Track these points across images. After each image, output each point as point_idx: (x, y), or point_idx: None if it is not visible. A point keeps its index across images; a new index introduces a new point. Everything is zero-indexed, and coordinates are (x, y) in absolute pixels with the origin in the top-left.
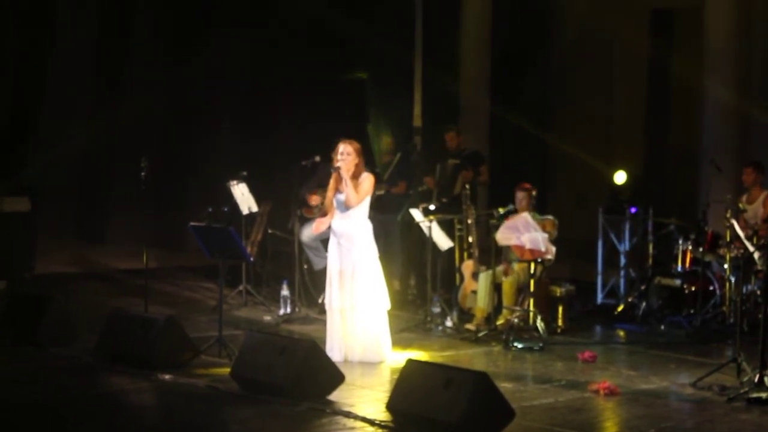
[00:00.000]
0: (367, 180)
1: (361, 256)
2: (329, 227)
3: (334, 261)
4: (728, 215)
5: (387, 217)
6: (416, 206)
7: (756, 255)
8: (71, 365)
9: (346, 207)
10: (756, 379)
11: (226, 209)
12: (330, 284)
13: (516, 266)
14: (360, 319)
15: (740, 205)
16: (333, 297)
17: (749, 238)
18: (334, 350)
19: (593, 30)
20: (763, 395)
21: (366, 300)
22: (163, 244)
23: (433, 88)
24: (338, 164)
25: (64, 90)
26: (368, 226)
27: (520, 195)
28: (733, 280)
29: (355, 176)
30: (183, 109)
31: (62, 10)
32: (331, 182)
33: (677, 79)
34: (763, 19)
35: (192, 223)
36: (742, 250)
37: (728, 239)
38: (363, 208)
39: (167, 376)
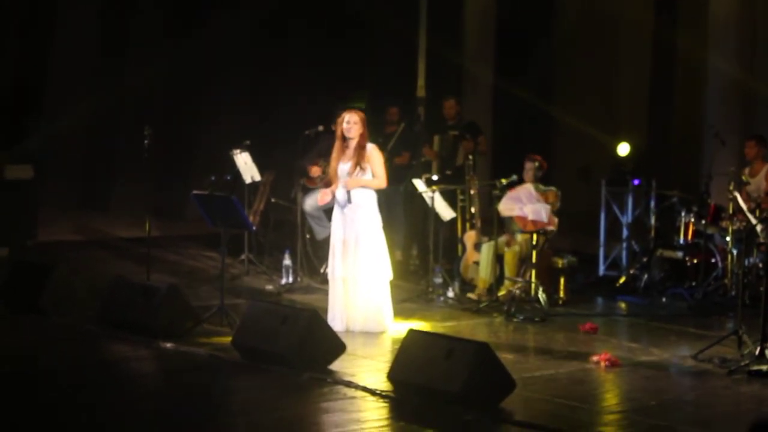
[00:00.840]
0: (375, 151)
1: (364, 225)
2: (333, 197)
3: (337, 230)
4: (731, 188)
5: (390, 187)
6: (419, 177)
7: (758, 228)
8: (73, 333)
9: (345, 174)
10: (757, 352)
11: (228, 178)
12: (333, 253)
13: (518, 237)
14: (362, 288)
15: (743, 178)
16: (336, 266)
17: (752, 211)
18: (336, 320)
19: (598, 3)
20: (764, 368)
21: (369, 270)
22: (166, 213)
23: (438, 60)
24: (345, 134)
25: (69, 60)
26: (372, 196)
27: (528, 165)
28: (735, 252)
29: (361, 145)
30: (186, 80)
31: None
32: (335, 152)
33: (681, 53)
34: None
35: (194, 192)
36: (744, 223)
37: (731, 212)
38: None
39: (169, 345)
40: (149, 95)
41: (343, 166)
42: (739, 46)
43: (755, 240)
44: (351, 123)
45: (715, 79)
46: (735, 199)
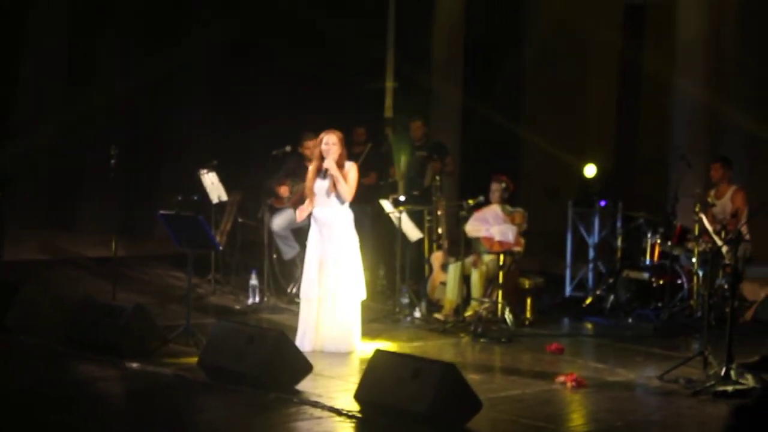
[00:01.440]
0: (353, 169)
1: (342, 244)
2: (310, 214)
3: (314, 249)
4: (697, 209)
5: (356, 207)
6: (386, 197)
7: (724, 249)
8: (40, 352)
9: (327, 197)
10: (722, 373)
11: (195, 198)
12: (308, 273)
13: (485, 258)
14: (336, 308)
15: (709, 200)
16: (310, 286)
17: (717, 233)
18: (305, 339)
19: (566, 23)
20: (729, 388)
21: (345, 289)
22: (133, 232)
23: (406, 80)
24: (326, 159)
25: (36, 79)
26: (350, 215)
27: (494, 186)
28: (700, 274)
29: (340, 165)
30: (154, 99)
31: (33, 1)
32: (311, 169)
33: (649, 74)
34: (734, 17)
35: (161, 212)
36: (710, 245)
37: (697, 233)
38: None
39: (135, 364)
40: (116, 114)
41: (321, 182)
42: (706, 68)
43: (721, 261)
44: (330, 144)
45: (681, 101)
46: (701, 220)
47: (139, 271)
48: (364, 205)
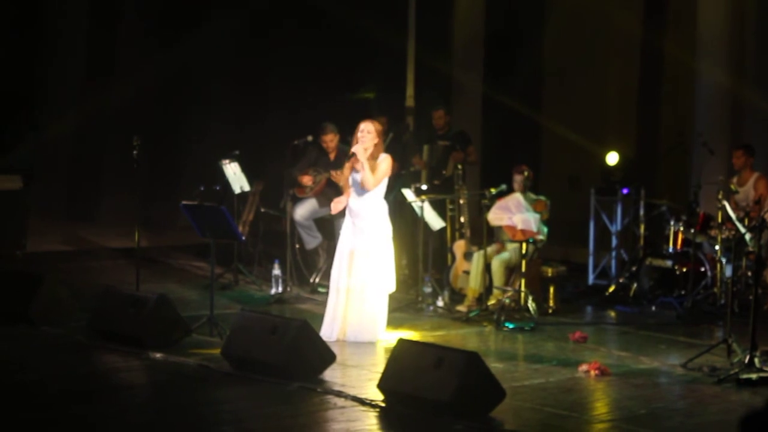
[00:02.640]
0: (385, 161)
1: (375, 236)
2: (346, 206)
3: (346, 240)
4: (720, 196)
5: None
6: (408, 186)
7: (747, 236)
8: (62, 343)
9: (362, 189)
10: (746, 360)
11: (218, 188)
12: (339, 263)
13: (508, 246)
14: (365, 299)
15: (731, 187)
16: (341, 276)
17: (740, 220)
18: (331, 329)
19: (587, 11)
20: (753, 376)
21: (376, 280)
22: (155, 224)
23: (427, 69)
24: (357, 144)
25: (57, 70)
26: (383, 207)
27: (517, 177)
28: (724, 261)
29: (374, 156)
30: (175, 89)
31: None
32: (348, 162)
33: (670, 61)
34: (757, 2)
35: (184, 202)
36: (733, 232)
37: (720, 221)
38: (380, 189)
39: (158, 355)
40: (138, 105)
41: (355, 176)
42: (728, 54)
43: (744, 249)
44: (365, 132)
45: (703, 87)
46: (724, 208)
47: (161, 261)
48: (386, 194)
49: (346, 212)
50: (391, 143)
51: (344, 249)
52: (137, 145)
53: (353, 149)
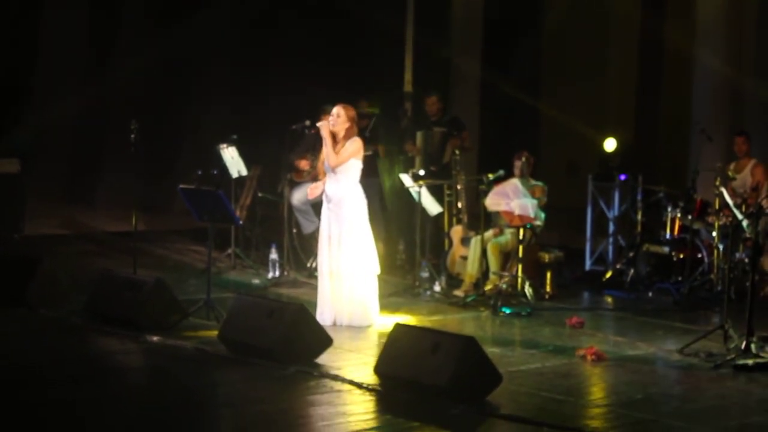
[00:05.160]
0: (353, 144)
1: (349, 220)
2: (323, 191)
3: (324, 225)
4: (717, 183)
5: (365, 180)
6: (405, 171)
7: (744, 223)
8: (60, 326)
9: (329, 166)
10: (742, 346)
11: (215, 172)
12: (321, 248)
13: (506, 232)
14: (348, 283)
15: (729, 174)
16: (323, 260)
17: (738, 206)
18: (324, 314)
19: None
20: (749, 362)
21: (353, 264)
22: (153, 207)
23: (426, 55)
24: (322, 123)
25: (56, 54)
26: (358, 190)
27: (516, 163)
28: (721, 248)
29: (346, 138)
30: (173, 73)
31: None
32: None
33: (669, 48)
34: None
35: (181, 186)
36: (730, 218)
37: (717, 207)
38: (353, 172)
39: (155, 338)
40: (136, 89)
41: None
42: (727, 41)
43: (741, 235)
44: (335, 116)
45: (702, 74)
46: (721, 194)
47: (159, 245)
48: (374, 178)
49: (323, 197)
50: (389, 128)
51: (323, 234)
52: (135, 128)
53: (318, 124)
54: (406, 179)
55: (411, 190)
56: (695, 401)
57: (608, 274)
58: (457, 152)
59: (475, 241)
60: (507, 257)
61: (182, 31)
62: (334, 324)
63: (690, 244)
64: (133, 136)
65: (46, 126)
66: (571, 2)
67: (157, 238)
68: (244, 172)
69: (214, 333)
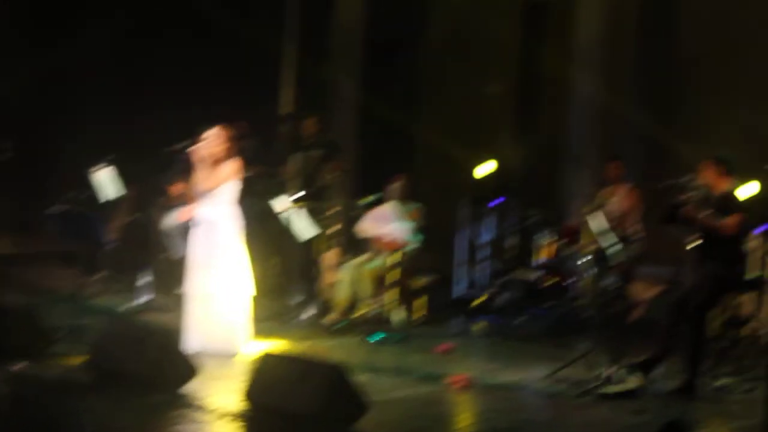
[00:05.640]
0: (228, 165)
1: (222, 242)
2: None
3: (193, 249)
4: (586, 209)
5: (248, 201)
6: (280, 194)
7: (611, 249)
8: None
9: (201, 190)
10: (607, 374)
11: (87, 195)
12: (190, 272)
13: (377, 257)
14: (217, 308)
15: (600, 199)
16: (192, 285)
17: (609, 232)
18: (192, 339)
19: (467, 20)
20: (612, 390)
21: (225, 288)
22: (25, 229)
23: (306, 77)
24: (195, 148)
25: None
26: (232, 212)
27: (393, 187)
28: (589, 274)
29: (223, 159)
30: (50, 91)
31: None
32: (197, 171)
33: (549, 72)
34: (634, 18)
35: (51, 209)
36: (597, 245)
37: (586, 233)
38: (228, 195)
39: (19, 366)
40: (11, 108)
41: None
42: (604, 66)
43: (609, 261)
44: (211, 137)
45: (578, 100)
46: (589, 220)
47: (27, 269)
48: (254, 199)
49: (193, 221)
50: (258, 150)
51: (193, 258)
52: (7, 148)
53: (190, 149)
54: (277, 204)
55: (280, 216)
56: (559, 428)
57: (480, 300)
58: (335, 175)
59: (348, 267)
60: (380, 282)
61: (56, 49)
62: (202, 350)
63: (561, 269)
64: (4, 156)
65: None
66: (453, 25)
67: (27, 261)
68: (118, 193)
69: (82, 360)
